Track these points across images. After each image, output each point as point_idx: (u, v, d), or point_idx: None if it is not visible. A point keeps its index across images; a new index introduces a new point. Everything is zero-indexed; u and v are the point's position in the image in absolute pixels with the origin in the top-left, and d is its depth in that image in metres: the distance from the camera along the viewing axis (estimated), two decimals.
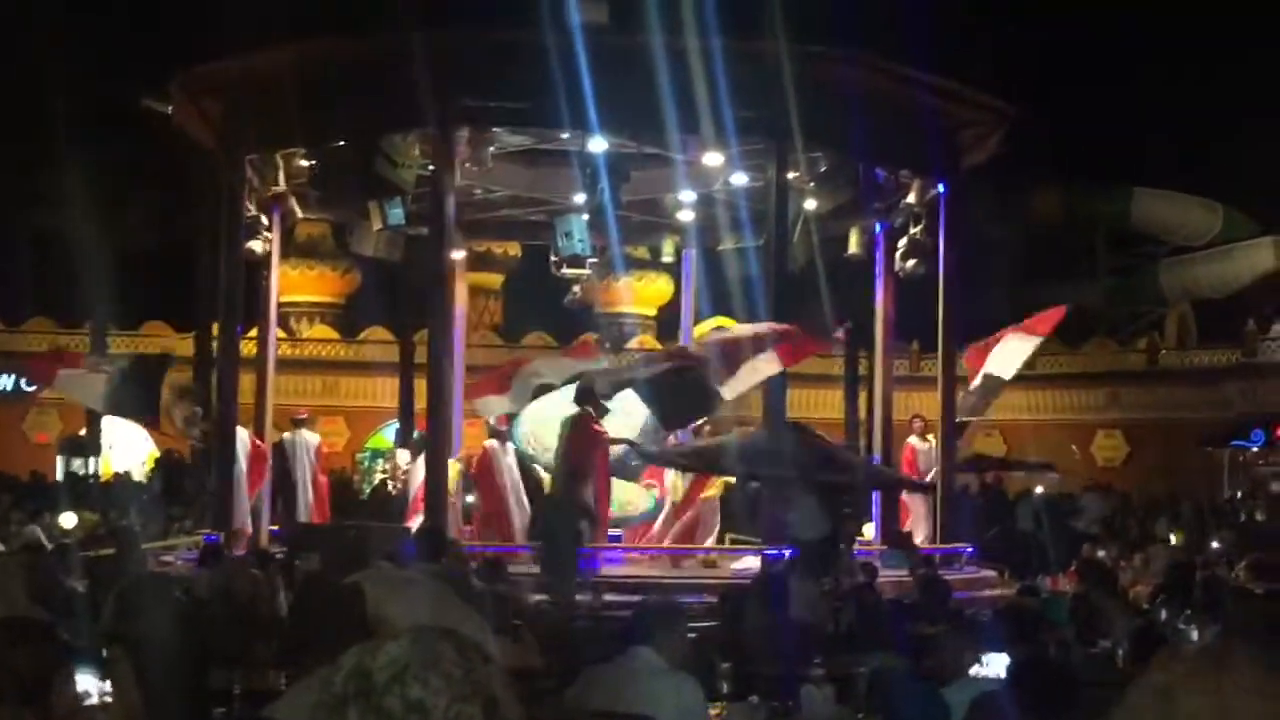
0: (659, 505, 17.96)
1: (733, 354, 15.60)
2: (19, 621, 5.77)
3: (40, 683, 4.75)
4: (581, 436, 16.23)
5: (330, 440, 29.37)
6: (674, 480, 17.85)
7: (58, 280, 31.95)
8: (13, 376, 35.34)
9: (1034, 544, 18.90)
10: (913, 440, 20.01)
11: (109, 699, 5.20)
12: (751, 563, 15.38)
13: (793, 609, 9.40)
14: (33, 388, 34.31)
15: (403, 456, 20.64)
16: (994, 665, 7.67)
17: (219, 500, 16.96)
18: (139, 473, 32.18)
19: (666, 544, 17.33)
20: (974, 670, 7.37)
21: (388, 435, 33.27)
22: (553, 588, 13.20)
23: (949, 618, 9.62)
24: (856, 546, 16.23)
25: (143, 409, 17.21)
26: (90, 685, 5.35)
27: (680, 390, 15.36)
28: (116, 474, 31.39)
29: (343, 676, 1.97)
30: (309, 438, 19.98)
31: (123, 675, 4.44)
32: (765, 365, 15.49)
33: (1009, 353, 19.00)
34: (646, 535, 17.84)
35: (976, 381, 18.85)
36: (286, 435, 19.80)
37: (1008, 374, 18.95)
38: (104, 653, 5.61)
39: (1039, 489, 25.31)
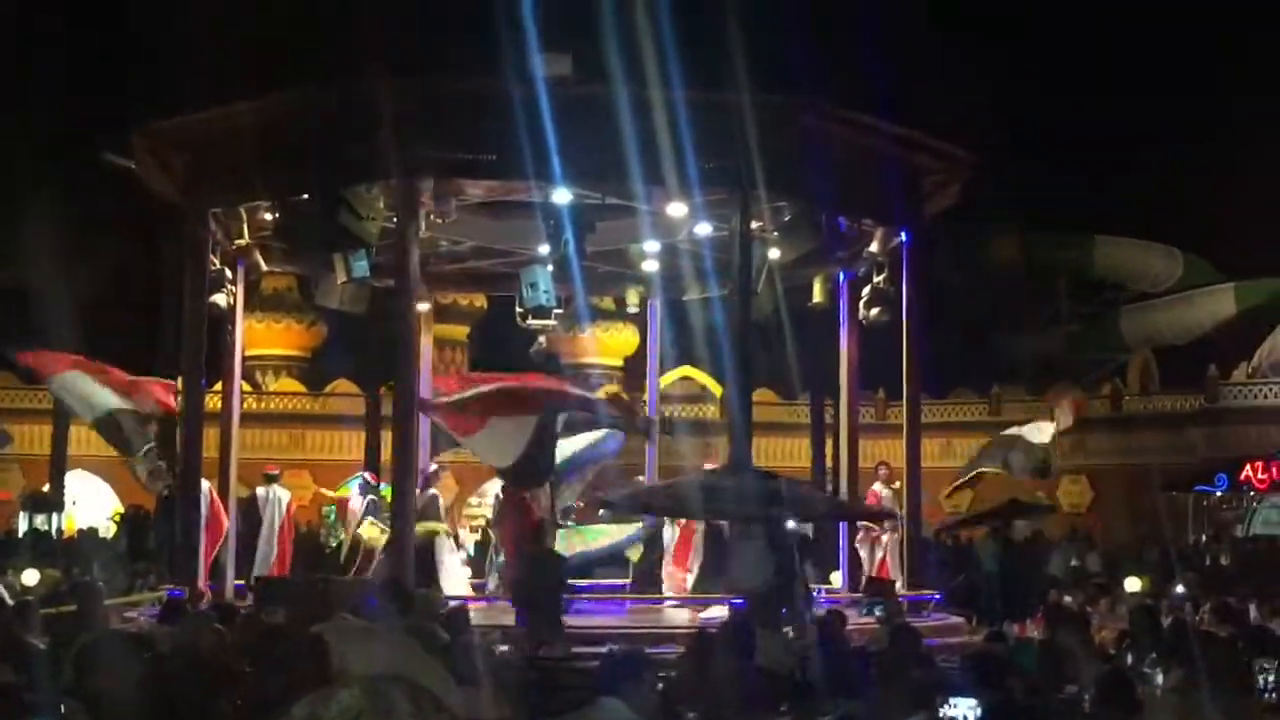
0: (641, 531, 18.33)
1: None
2: None
3: None
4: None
5: (297, 494, 29.24)
6: None
7: (21, 335, 31.72)
8: None
9: (998, 590, 18.95)
10: (877, 487, 20.10)
11: None
12: (719, 611, 15.35)
13: (756, 658, 9.37)
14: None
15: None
16: (957, 710, 7.68)
17: (183, 555, 16.84)
18: (104, 529, 31.91)
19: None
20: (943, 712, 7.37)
21: (353, 487, 33.10)
22: (545, 638, 13.27)
23: (918, 665, 9.60)
24: (815, 592, 16.35)
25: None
26: None
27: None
28: (80, 530, 31.12)
29: None
30: (280, 493, 20.15)
31: None
32: None
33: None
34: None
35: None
36: (260, 489, 19.97)
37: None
38: (62, 709, 5.55)
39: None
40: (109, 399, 18.11)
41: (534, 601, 14.35)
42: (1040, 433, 21.57)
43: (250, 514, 20.25)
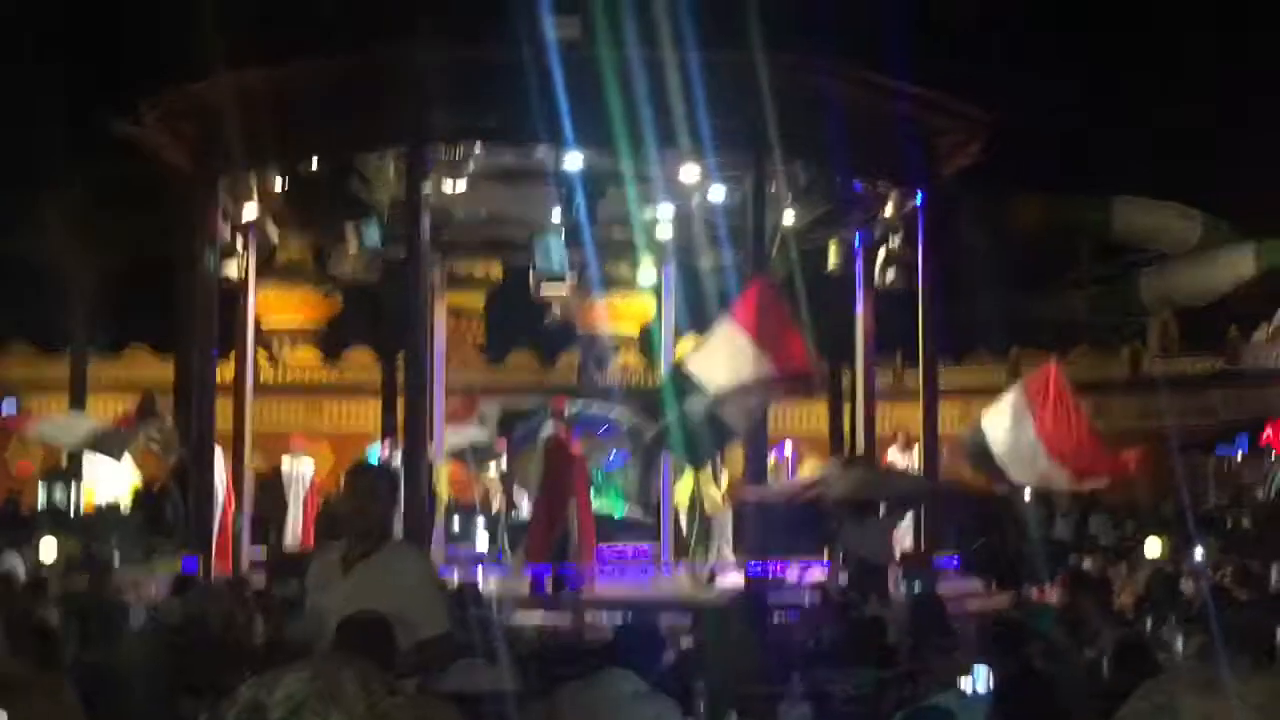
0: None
1: None
2: None
3: None
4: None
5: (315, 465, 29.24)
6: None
7: (37, 306, 31.73)
8: None
9: (1041, 554, 18.76)
10: (893, 452, 19.96)
11: None
12: (735, 579, 15.31)
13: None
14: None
15: None
16: (979, 677, 7.57)
17: (197, 526, 16.83)
18: (122, 503, 31.92)
19: None
20: (962, 683, 7.27)
21: (371, 458, 33.06)
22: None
23: (938, 632, 9.50)
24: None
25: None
26: None
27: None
28: (98, 504, 31.14)
29: (235, 713, 1.85)
30: (304, 466, 20.21)
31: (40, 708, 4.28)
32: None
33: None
34: None
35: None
36: (284, 463, 20.13)
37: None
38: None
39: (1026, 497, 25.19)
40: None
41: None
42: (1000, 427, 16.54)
43: (274, 488, 20.41)
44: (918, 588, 15.00)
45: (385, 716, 1.81)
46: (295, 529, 19.63)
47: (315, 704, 1.78)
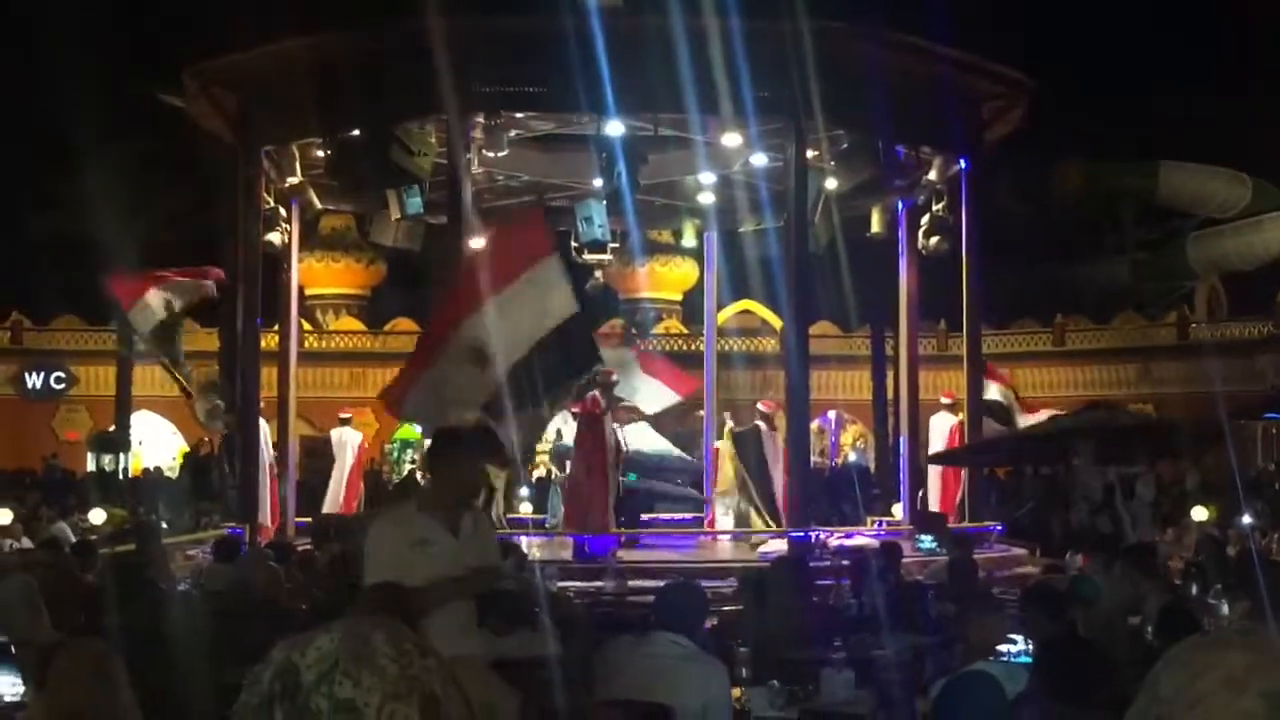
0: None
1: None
2: None
3: None
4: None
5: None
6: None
7: (83, 278, 32.03)
8: (42, 375, 35.60)
9: (1064, 521, 18.70)
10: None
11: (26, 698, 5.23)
12: (778, 545, 15.31)
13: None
14: (61, 386, 34.89)
15: None
16: (1022, 643, 7.55)
17: (243, 493, 16.95)
18: (169, 468, 32.29)
19: None
20: (1003, 648, 7.27)
21: (416, 425, 33.22)
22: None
23: (976, 598, 9.48)
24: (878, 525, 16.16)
25: None
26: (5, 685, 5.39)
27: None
28: (145, 469, 31.51)
29: (270, 674, 1.86)
30: (352, 435, 20.43)
31: (62, 674, 4.33)
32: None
33: None
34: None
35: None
36: (334, 432, 20.38)
37: None
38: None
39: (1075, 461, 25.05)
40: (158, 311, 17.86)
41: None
42: None
43: (323, 455, 20.68)
44: (932, 547, 15.01)
45: (417, 679, 1.81)
46: (336, 495, 19.76)
47: (347, 665, 1.79)
